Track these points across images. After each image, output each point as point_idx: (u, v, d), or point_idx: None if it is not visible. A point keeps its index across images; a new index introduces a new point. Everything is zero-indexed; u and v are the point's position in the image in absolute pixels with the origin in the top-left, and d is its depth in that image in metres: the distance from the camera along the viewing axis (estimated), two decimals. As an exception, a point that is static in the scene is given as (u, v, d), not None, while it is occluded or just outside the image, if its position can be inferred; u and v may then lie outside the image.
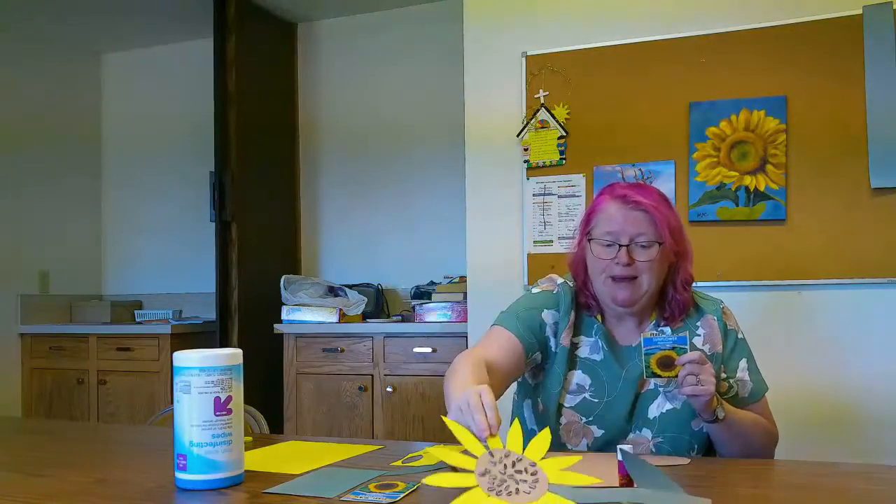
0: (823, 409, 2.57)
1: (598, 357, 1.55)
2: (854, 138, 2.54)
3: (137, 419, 3.87)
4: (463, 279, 3.37)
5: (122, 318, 4.40)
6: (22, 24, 4.28)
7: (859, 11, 2.55)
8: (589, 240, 1.54)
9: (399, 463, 1.33)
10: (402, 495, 1.09)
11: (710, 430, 1.45)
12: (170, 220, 4.61)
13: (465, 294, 3.16)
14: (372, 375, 3.44)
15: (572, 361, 1.55)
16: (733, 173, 2.67)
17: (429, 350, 3.36)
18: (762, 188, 2.63)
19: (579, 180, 2.85)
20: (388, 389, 3.39)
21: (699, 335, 1.56)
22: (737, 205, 2.66)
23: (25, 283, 4.29)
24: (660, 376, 1.40)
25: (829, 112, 2.58)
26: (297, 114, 4.34)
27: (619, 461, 1.04)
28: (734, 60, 2.69)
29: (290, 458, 1.40)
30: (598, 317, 1.58)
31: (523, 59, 2.95)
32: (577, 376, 1.54)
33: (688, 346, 1.38)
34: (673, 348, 1.38)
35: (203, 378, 1.15)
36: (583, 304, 1.59)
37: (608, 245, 1.50)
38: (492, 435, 1.07)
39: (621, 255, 1.48)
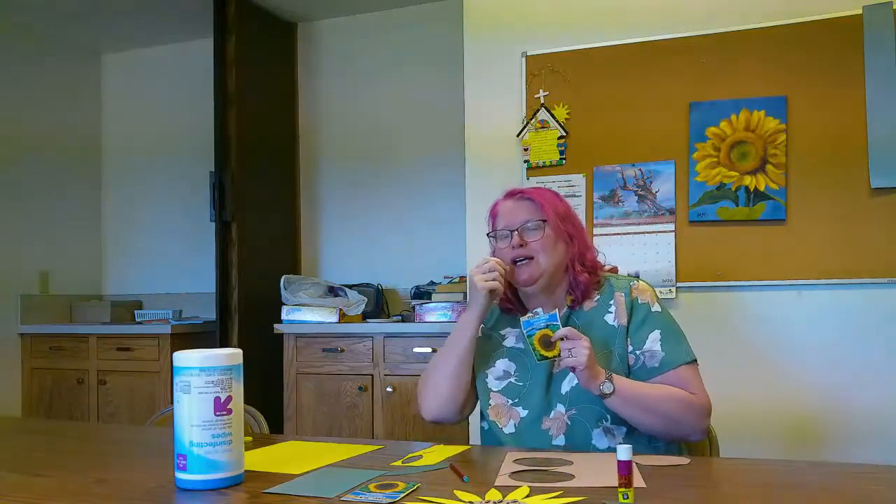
0: (823, 410, 2.57)
1: (521, 346, 1.67)
2: (854, 138, 2.54)
3: (137, 419, 3.86)
4: (463, 279, 3.37)
5: (122, 318, 4.40)
6: (22, 25, 4.28)
7: (859, 11, 2.55)
8: (493, 238, 1.70)
9: (399, 463, 1.33)
10: (402, 495, 1.09)
11: (608, 405, 1.50)
12: (170, 220, 4.61)
13: (465, 294, 3.16)
14: (372, 375, 3.44)
15: (501, 351, 1.69)
16: (733, 173, 2.67)
17: (429, 350, 3.35)
18: (762, 188, 2.63)
19: (579, 180, 2.85)
20: (388, 389, 3.39)
21: (611, 312, 1.64)
22: (737, 205, 2.66)
23: (25, 283, 4.29)
24: (546, 357, 1.50)
25: (829, 112, 2.58)
26: (297, 114, 4.34)
27: (619, 461, 1.04)
28: (734, 60, 2.69)
29: (290, 458, 1.40)
30: (521, 310, 1.70)
31: (523, 59, 2.95)
32: (504, 363, 1.68)
33: (559, 323, 1.49)
34: (547, 326, 1.48)
35: (203, 378, 1.15)
36: (504, 308, 1.74)
37: (504, 237, 1.66)
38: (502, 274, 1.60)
39: (514, 239, 1.63)
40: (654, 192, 2.76)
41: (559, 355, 1.48)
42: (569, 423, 1.56)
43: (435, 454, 1.40)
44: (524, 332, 1.51)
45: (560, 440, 1.55)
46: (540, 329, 1.49)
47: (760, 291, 2.65)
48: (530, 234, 1.63)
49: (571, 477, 1.20)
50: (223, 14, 3.85)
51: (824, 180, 2.57)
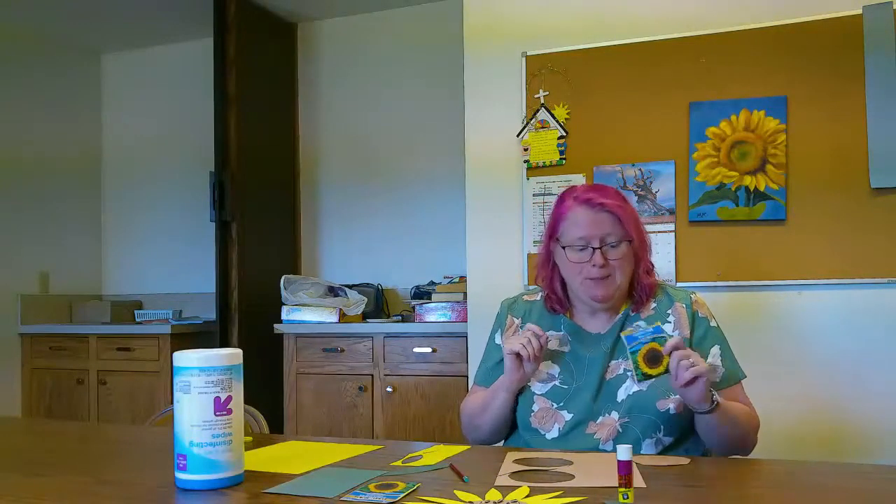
0: (822, 410, 2.57)
1: (566, 349, 1.66)
2: (854, 138, 2.54)
3: (137, 419, 3.87)
4: (463, 279, 3.37)
5: (122, 318, 4.40)
6: (22, 25, 4.28)
7: (859, 11, 2.55)
8: (562, 246, 1.62)
9: (399, 463, 1.33)
10: (402, 495, 1.09)
11: (705, 420, 1.46)
12: (170, 220, 4.61)
13: (465, 294, 3.16)
14: (372, 375, 3.44)
15: (543, 353, 1.63)
16: (733, 173, 2.67)
17: (429, 350, 3.36)
18: (762, 188, 2.63)
19: (579, 180, 2.85)
20: (388, 389, 3.39)
21: (670, 322, 1.64)
22: (737, 205, 2.66)
23: (25, 283, 4.29)
24: (651, 376, 1.39)
25: (829, 112, 2.58)
26: (297, 114, 4.35)
27: (618, 461, 1.04)
28: (734, 60, 2.69)
29: (290, 458, 1.40)
30: (567, 313, 1.69)
31: (523, 59, 2.95)
32: (548, 366, 1.64)
33: (666, 335, 1.39)
34: (654, 339, 1.37)
35: (203, 378, 1.15)
36: (549, 307, 1.71)
37: (581, 249, 1.59)
38: (541, 346, 1.52)
39: (596, 258, 1.57)
40: (654, 192, 2.76)
41: (666, 371, 1.38)
42: (620, 430, 1.54)
43: (435, 454, 1.40)
44: (628, 348, 1.38)
45: (608, 446, 1.53)
46: (646, 343, 1.36)
47: (760, 291, 2.65)
48: (611, 252, 1.58)
49: (571, 477, 1.20)
50: (223, 14, 3.85)
51: (824, 180, 2.57)
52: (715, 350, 1.63)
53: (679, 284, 2.69)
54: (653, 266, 1.69)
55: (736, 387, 1.63)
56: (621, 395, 1.57)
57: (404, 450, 1.46)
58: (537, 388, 1.62)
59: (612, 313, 1.66)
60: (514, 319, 1.75)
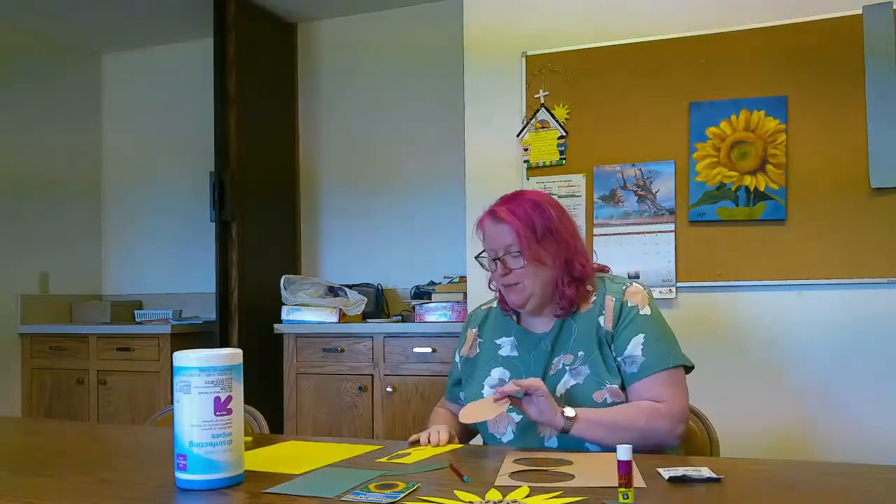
0: (822, 410, 2.57)
1: (515, 353, 1.69)
2: (854, 138, 2.54)
3: (137, 419, 3.87)
4: (463, 279, 3.37)
5: (122, 318, 4.40)
6: (22, 25, 4.28)
7: (859, 11, 2.55)
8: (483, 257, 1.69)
9: (384, 460, 1.34)
10: (402, 495, 1.09)
11: (574, 433, 1.48)
12: (170, 220, 4.61)
13: (465, 294, 3.16)
14: (372, 375, 3.44)
15: (496, 360, 1.70)
16: (733, 173, 2.67)
17: (429, 350, 3.36)
18: (762, 188, 2.63)
19: (579, 180, 2.85)
20: (388, 389, 3.39)
21: (603, 314, 1.62)
22: (737, 205, 2.66)
23: (25, 283, 4.29)
24: None
25: (829, 112, 2.58)
26: (297, 114, 4.34)
27: (619, 461, 1.04)
28: (734, 60, 2.69)
29: (290, 458, 1.40)
30: (515, 317, 1.72)
31: (523, 59, 2.95)
32: (499, 372, 1.68)
33: None
34: None
35: (203, 378, 1.15)
36: (503, 310, 1.74)
37: (491, 259, 1.65)
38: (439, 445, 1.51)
39: (499, 269, 1.63)
40: (654, 192, 2.76)
41: None
42: None
43: (422, 451, 1.43)
44: None
45: (553, 442, 1.55)
46: None
47: (760, 291, 2.65)
48: (512, 262, 1.61)
49: (571, 477, 1.20)
50: (223, 14, 3.85)
51: (824, 180, 2.58)
52: (637, 340, 1.57)
53: (678, 284, 2.69)
54: (588, 272, 1.64)
55: (657, 375, 1.55)
56: (560, 389, 1.57)
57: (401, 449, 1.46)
58: (488, 392, 1.64)
59: (552, 315, 1.66)
60: (472, 331, 1.80)
